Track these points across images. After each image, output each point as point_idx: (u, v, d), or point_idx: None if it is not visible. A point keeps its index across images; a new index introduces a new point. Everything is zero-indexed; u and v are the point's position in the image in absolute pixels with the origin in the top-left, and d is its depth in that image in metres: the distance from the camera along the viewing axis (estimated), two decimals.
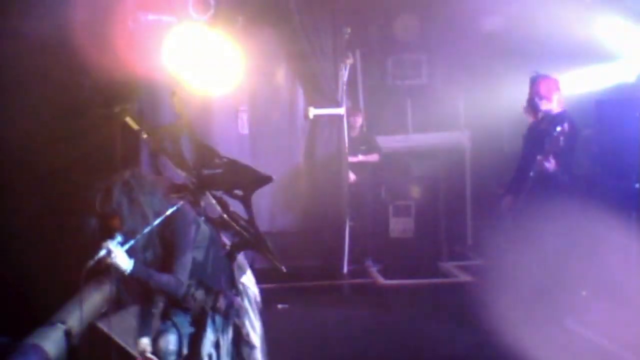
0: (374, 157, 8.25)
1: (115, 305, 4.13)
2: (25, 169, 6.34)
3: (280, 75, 7.72)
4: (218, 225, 4.03)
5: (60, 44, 6.28)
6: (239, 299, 3.99)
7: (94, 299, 5.51)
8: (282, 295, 7.18)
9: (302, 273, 7.54)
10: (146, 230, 3.56)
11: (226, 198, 4.10)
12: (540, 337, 4.80)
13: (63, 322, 4.69)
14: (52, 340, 4.47)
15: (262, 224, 7.81)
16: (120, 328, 4.78)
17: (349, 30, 7.59)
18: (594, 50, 6.68)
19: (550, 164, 5.48)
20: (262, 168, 7.60)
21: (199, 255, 3.75)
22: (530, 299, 5.28)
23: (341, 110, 7.53)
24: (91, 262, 3.51)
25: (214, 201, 4.03)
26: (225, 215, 4.02)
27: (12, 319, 5.09)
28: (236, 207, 4.15)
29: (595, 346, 5.08)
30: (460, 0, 7.73)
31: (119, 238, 3.53)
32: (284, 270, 4.17)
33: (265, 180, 4.01)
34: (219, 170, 4.04)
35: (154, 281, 3.61)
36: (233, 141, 7.58)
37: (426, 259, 8.00)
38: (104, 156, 7.02)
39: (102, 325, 4.70)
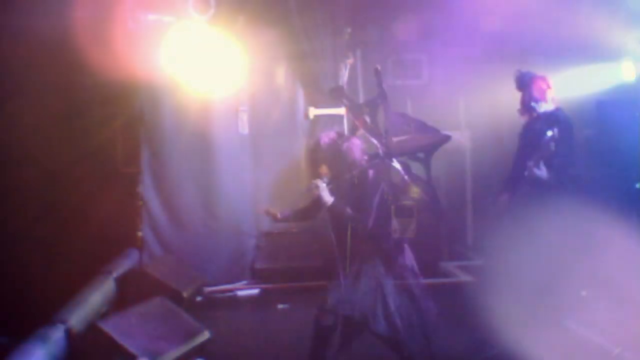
0: None
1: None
2: (25, 169, 6.34)
3: (280, 75, 7.72)
4: (399, 189, 4.56)
5: (60, 44, 6.29)
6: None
7: (95, 299, 5.52)
8: (282, 295, 7.19)
9: (302, 273, 7.55)
10: (346, 177, 4.46)
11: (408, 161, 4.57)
12: (540, 337, 4.80)
13: (63, 322, 4.69)
14: (52, 341, 4.47)
15: (263, 224, 7.93)
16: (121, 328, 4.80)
17: (349, 30, 7.58)
18: (594, 50, 6.68)
19: (542, 171, 5.46)
20: (262, 168, 7.71)
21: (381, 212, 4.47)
22: (530, 299, 5.27)
23: (341, 110, 7.53)
24: (305, 189, 4.56)
25: (398, 166, 4.49)
26: (407, 177, 4.50)
27: (12, 319, 5.10)
28: None
29: (595, 346, 5.08)
30: (461, 0, 7.72)
31: (325, 179, 4.48)
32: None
33: (444, 139, 4.52)
34: (407, 137, 4.51)
35: (347, 213, 4.44)
36: (233, 141, 7.58)
37: (427, 259, 7.98)
38: (104, 156, 7.04)
39: (103, 325, 4.71)
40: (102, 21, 6.49)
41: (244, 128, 7.68)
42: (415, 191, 4.52)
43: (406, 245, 4.61)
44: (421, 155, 4.53)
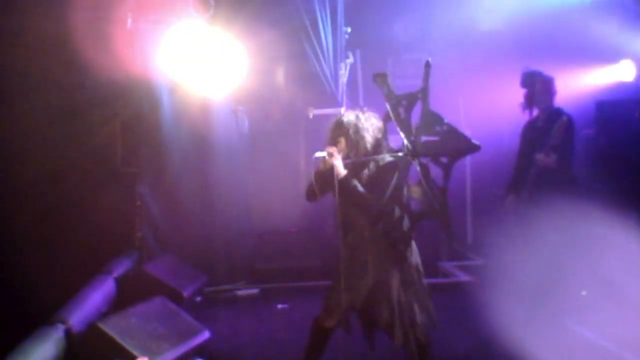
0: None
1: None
2: (25, 169, 6.33)
3: (280, 75, 7.72)
4: (413, 191, 4.34)
5: (60, 44, 6.28)
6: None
7: (94, 298, 5.52)
8: (282, 295, 7.19)
9: (302, 273, 7.56)
10: (362, 158, 4.23)
11: (429, 165, 4.34)
12: (540, 337, 4.80)
13: (63, 322, 4.69)
14: (52, 340, 4.47)
15: (263, 224, 7.95)
16: (120, 328, 4.80)
17: (349, 30, 7.58)
18: (594, 50, 6.68)
19: (551, 159, 5.48)
20: (262, 168, 7.72)
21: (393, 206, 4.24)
22: (530, 298, 5.27)
23: (341, 110, 7.52)
24: (318, 154, 4.18)
25: (418, 168, 4.27)
26: (424, 182, 4.25)
27: (12, 319, 5.09)
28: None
29: (595, 346, 5.08)
30: (460, 0, 7.73)
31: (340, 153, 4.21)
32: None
33: (473, 148, 4.23)
34: (435, 138, 4.28)
35: (357, 191, 4.17)
36: (233, 141, 7.58)
37: (426, 259, 7.98)
38: (104, 156, 7.03)
39: (102, 325, 4.71)
40: (102, 21, 6.49)
41: (244, 128, 7.68)
42: (422, 194, 4.34)
43: (414, 243, 4.41)
44: (444, 160, 4.28)
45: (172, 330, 5.13)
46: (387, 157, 4.27)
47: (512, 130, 6.69)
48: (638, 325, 4.94)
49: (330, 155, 4.16)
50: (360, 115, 4.33)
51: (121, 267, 6.46)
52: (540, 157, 5.55)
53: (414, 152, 4.25)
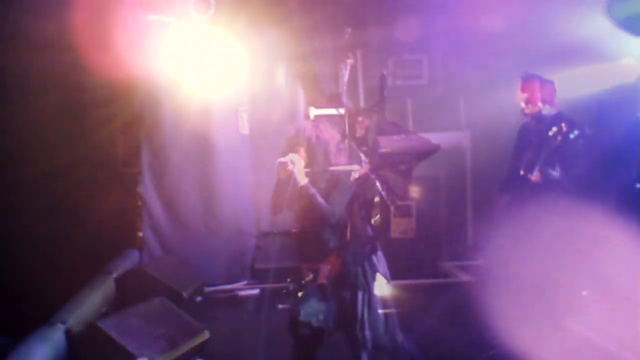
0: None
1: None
2: (25, 169, 6.35)
3: (280, 75, 7.71)
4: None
5: (60, 44, 6.29)
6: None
7: (94, 299, 5.53)
8: (282, 295, 7.18)
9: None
10: (321, 169, 4.19)
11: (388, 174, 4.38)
12: (540, 337, 4.80)
13: (63, 322, 4.69)
14: (52, 340, 4.47)
15: (263, 224, 7.92)
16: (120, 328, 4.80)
17: (349, 30, 7.57)
18: (594, 50, 6.67)
19: (556, 171, 5.50)
20: (262, 168, 7.71)
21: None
22: (530, 298, 5.27)
23: (341, 111, 7.52)
24: (280, 159, 4.13)
25: (376, 181, 4.29)
26: (384, 194, 4.29)
27: (12, 319, 5.10)
28: None
29: (595, 346, 5.08)
30: (461, 0, 7.72)
31: (302, 161, 4.13)
32: None
33: (432, 149, 4.27)
34: (392, 148, 4.30)
35: (317, 200, 4.11)
36: (233, 141, 7.58)
37: (426, 259, 8.00)
38: (104, 156, 7.04)
39: (102, 325, 4.71)
40: (102, 21, 6.49)
41: (244, 128, 7.68)
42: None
43: (380, 253, 4.42)
44: (403, 167, 4.29)
45: (172, 330, 5.13)
46: (345, 170, 4.26)
47: (512, 130, 6.70)
48: (637, 325, 4.94)
49: (292, 162, 4.10)
50: (321, 126, 4.34)
51: (121, 267, 6.46)
52: (540, 170, 5.55)
53: (371, 165, 4.27)
